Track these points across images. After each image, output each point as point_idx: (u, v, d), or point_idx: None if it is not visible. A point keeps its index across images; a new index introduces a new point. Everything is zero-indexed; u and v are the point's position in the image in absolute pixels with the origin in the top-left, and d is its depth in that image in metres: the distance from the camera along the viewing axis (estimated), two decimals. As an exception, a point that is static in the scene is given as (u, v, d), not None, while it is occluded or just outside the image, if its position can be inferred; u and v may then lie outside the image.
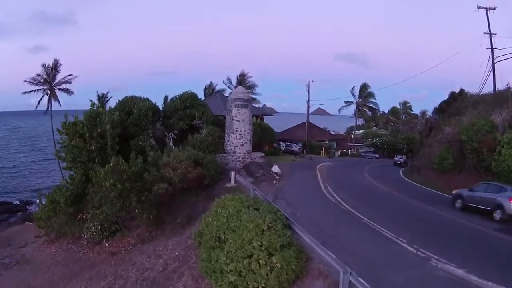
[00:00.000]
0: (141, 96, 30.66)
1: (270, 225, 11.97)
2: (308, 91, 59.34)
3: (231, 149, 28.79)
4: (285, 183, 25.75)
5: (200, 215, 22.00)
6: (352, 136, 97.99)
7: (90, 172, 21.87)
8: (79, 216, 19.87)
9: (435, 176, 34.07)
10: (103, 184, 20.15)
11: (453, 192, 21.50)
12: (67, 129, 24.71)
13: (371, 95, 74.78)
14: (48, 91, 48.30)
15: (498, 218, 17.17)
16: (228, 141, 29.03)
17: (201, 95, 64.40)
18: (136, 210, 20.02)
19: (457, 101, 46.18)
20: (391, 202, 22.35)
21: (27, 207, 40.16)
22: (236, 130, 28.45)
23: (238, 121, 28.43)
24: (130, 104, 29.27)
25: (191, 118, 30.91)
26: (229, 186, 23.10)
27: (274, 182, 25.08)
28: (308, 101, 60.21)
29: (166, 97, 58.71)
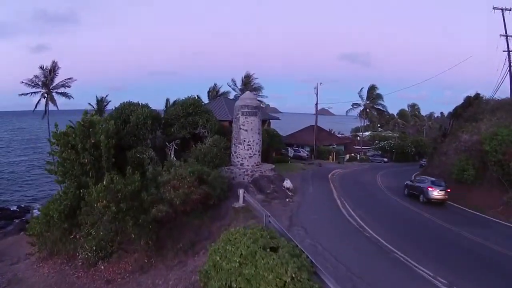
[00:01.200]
0: (140, 103, 28.32)
1: (293, 275, 9.73)
2: (317, 94, 56.96)
3: (238, 161, 26.30)
4: (299, 200, 23.33)
5: (205, 241, 19.91)
6: (359, 138, 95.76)
7: (81, 190, 19.95)
8: (73, 235, 18.09)
9: (453, 187, 32.10)
10: (96, 205, 17.97)
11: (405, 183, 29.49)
12: (58, 140, 22.79)
13: (380, 97, 72.09)
14: (46, 94, 46.29)
15: (421, 200, 25.72)
16: (235, 152, 26.51)
17: (205, 98, 62.64)
18: (133, 235, 17.87)
19: (472, 106, 43.88)
20: (415, 223, 20.02)
21: (26, 214, 38.97)
22: (244, 141, 25.95)
23: (246, 130, 25.92)
24: (127, 112, 26.93)
25: (194, 126, 28.53)
26: (238, 207, 20.74)
27: (287, 199, 22.62)
28: (316, 105, 57.80)
29: (167, 100, 56.49)
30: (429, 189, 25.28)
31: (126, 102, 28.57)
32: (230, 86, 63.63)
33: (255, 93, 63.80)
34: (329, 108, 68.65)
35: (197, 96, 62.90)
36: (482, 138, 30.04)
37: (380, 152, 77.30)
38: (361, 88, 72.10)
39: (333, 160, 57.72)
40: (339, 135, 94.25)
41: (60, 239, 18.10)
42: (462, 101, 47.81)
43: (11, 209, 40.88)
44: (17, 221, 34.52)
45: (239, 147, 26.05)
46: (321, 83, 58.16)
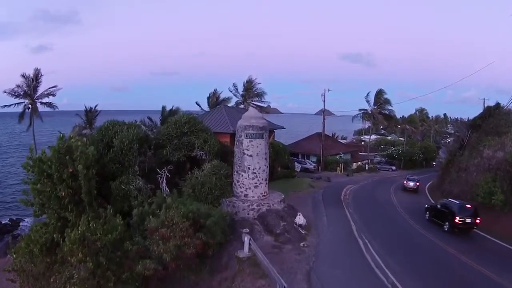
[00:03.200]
0: (126, 122, 24.59)
1: None
2: (324, 101, 53.41)
3: (241, 192, 22.45)
4: (315, 242, 19.54)
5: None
6: (363, 143, 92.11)
7: (55, 235, 16.48)
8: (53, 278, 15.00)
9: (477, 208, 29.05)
10: (70, 259, 14.66)
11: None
12: (33, 166, 19.47)
13: (388, 102, 68.36)
14: (30, 106, 42.66)
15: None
16: (238, 181, 22.60)
17: (204, 104, 58.93)
18: (116, 296, 14.50)
19: (493, 117, 40.39)
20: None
21: (17, 227, 36.97)
22: (249, 168, 22.10)
23: (251, 156, 22.10)
24: (110, 133, 23.20)
25: (190, 148, 24.79)
26: (242, 257, 17.07)
27: (302, 244, 18.83)
28: (323, 111, 54.19)
29: (164, 108, 52.74)
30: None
31: (110, 121, 24.86)
32: (231, 91, 59.80)
33: (257, 99, 60.21)
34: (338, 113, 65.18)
35: (197, 104, 60.56)
36: (510, 157, 26.96)
37: (386, 159, 73.85)
38: (368, 93, 68.39)
39: (341, 171, 54.03)
40: (343, 141, 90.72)
41: (43, 274, 15.67)
42: (482, 110, 44.51)
43: (2, 222, 38.09)
44: (7, 236, 30.63)
45: (242, 175, 22.23)
46: (329, 90, 54.61)
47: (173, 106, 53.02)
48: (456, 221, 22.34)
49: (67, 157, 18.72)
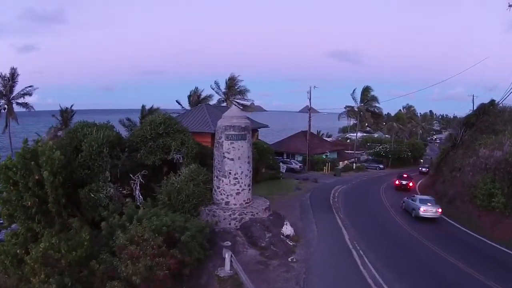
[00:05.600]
0: (96, 123, 22.17)
1: None
2: (310, 99, 51.48)
3: (222, 199, 20.20)
4: (304, 255, 17.47)
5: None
6: (349, 140, 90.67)
7: (18, 251, 15.38)
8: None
9: (476, 213, 27.36)
10: (32, 279, 13.21)
11: None
12: None
13: (375, 99, 66.82)
14: (6, 106, 39.90)
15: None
16: (218, 187, 20.34)
17: (186, 103, 56.34)
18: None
19: (488, 115, 39.03)
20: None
21: None
22: (230, 173, 19.89)
23: (232, 159, 19.87)
24: (79, 136, 20.81)
25: (166, 151, 22.44)
26: (223, 276, 14.89)
27: (290, 259, 16.75)
28: (309, 109, 52.29)
29: (143, 107, 50.21)
30: None
31: (80, 122, 22.46)
32: (213, 89, 57.64)
33: (240, 97, 58.01)
34: (320, 110, 63.49)
35: (178, 102, 57.81)
36: (509, 157, 25.45)
37: (373, 157, 72.52)
38: (354, 89, 66.73)
39: (328, 171, 52.21)
40: (328, 139, 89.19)
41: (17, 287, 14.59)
42: (474, 108, 43.17)
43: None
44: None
45: (223, 181, 19.98)
46: (315, 87, 52.77)
47: (152, 105, 50.48)
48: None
49: (32, 163, 16.92)
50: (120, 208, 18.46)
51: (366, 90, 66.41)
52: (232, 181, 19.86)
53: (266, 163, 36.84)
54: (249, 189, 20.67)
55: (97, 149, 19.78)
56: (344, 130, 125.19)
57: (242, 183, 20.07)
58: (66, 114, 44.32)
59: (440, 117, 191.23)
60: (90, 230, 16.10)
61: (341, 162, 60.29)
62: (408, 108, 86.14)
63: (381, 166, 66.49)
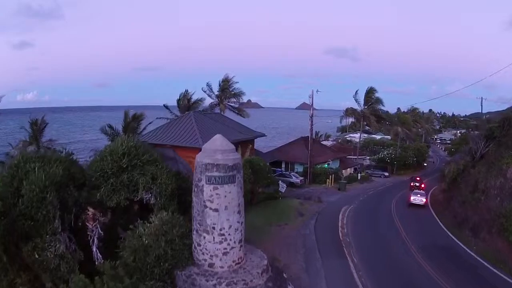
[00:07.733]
0: (45, 154, 17.15)
1: None
2: (312, 103, 46.77)
3: (205, 260, 15.17)
4: None
5: None
6: (349, 143, 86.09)
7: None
8: None
9: (507, 249, 23.39)
10: None
11: None
12: None
13: (379, 101, 62.33)
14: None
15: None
16: (199, 245, 15.22)
17: (174, 108, 51.15)
18: None
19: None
20: None
21: None
22: (214, 228, 14.74)
23: (217, 210, 14.66)
24: (20, 174, 15.80)
25: (133, 189, 17.46)
26: None
27: None
28: (311, 116, 47.55)
29: (126, 114, 44.35)
30: None
31: (22, 154, 17.50)
32: (205, 92, 52.80)
33: (235, 100, 53.11)
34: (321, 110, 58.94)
35: (165, 106, 52.58)
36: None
37: (376, 162, 68.12)
38: (357, 91, 62.37)
39: (331, 183, 47.39)
40: (328, 141, 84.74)
41: None
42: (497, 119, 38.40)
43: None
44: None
45: (205, 237, 14.95)
46: (318, 91, 48.11)
47: (136, 113, 44.99)
48: None
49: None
50: (76, 269, 13.87)
51: (370, 91, 62.00)
52: (217, 238, 14.85)
53: (263, 183, 32.06)
54: (241, 246, 15.68)
55: (38, 195, 14.79)
56: (343, 129, 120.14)
57: (230, 240, 15.06)
58: (36, 127, 38.06)
59: (439, 115, 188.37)
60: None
61: (344, 171, 55.72)
62: (413, 110, 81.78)
63: (386, 173, 62.18)
